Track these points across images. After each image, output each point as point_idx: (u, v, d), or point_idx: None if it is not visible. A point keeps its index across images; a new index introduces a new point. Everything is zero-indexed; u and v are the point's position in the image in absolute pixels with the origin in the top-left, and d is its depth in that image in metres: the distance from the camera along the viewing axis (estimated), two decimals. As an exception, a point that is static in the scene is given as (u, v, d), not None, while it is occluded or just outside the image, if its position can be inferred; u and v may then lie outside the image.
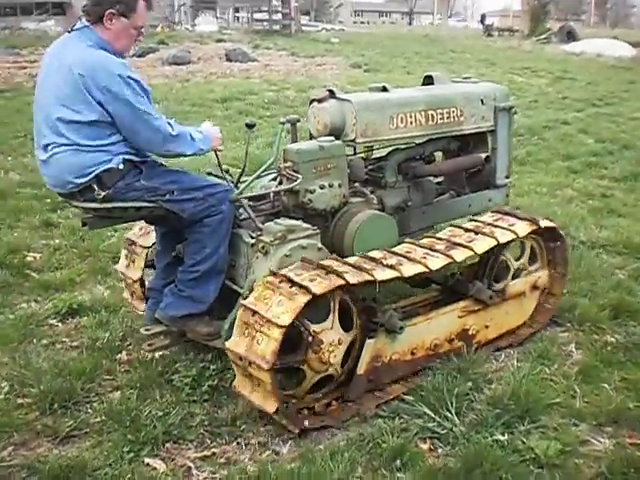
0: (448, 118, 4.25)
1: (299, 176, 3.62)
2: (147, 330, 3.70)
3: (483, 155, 4.45)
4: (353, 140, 3.90)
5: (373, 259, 3.37)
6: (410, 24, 73.57)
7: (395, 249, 3.55)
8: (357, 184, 4.08)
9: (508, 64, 20.87)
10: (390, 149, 4.29)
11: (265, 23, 29.89)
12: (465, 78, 4.82)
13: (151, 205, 3.42)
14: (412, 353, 3.58)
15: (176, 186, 3.41)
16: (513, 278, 3.97)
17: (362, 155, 4.24)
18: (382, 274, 3.20)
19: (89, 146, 3.28)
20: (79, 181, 3.32)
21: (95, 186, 3.31)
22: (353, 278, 3.11)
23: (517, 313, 4.07)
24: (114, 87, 3.19)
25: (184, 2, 31.56)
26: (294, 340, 3.16)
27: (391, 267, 3.27)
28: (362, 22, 78.15)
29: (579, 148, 9.51)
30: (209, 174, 3.95)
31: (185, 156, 3.57)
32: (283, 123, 3.90)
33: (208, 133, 3.58)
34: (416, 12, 79.37)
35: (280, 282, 3.13)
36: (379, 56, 21.30)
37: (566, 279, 4.25)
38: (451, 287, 3.90)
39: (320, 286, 3.02)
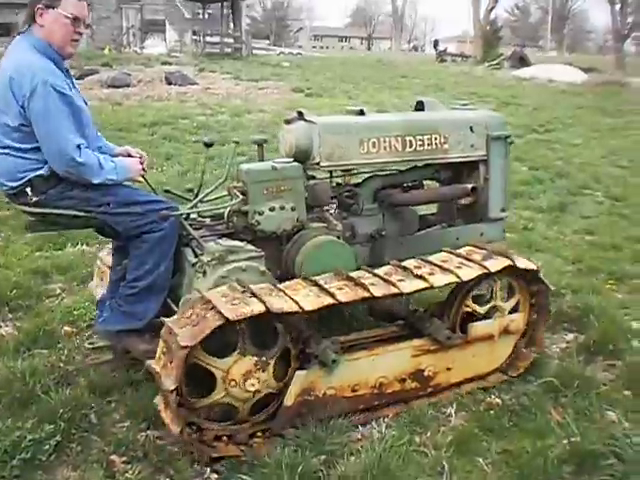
0: (429, 145, 4.02)
1: (240, 196, 3.53)
2: (91, 344, 3.77)
3: (469, 185, 4.11)
4: (317, 163, 3.73)
5: (316, 283, 3.23)
6: (369, 49, 74.34)
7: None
8: (320, 208, 3.89)
9: (456, 89, 20.83)
10: (367, 175, 4.12)
11: (217, 46, 29.56)
12: (463, 105, 4.60)
13: (85, 215, 3.37)
14: (353, 390, 3.33)
15: (112, 198, 3.34)
16: (484, 319, 3.67)
17: (339, 180, 4.07)
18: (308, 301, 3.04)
19: (20, 150, 3.26)
20: (12, 184, 3.32)
21: (28, 190, 3.30)
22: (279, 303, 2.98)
23: (487, 357, 3.71)
24: (34, 95, 3.15)
25: (132, 24, 31.09)
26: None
27: (329, 293, 3.11)
28: (321, 47, 78.73)
29: (510, 177, 9.11)
30: (166, 192, 3.90)
31: (89, 185, 3.35)
32: (237, 143, 3.82)
33: (123, 163, 3.48)
34: (375, 37, 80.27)
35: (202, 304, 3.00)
36: (326, 81, 21.09)
37: (545, 326, 3.89)
38: (411, 323, 3.65)
39: (235, 312, 2.87)
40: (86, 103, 3.55)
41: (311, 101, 15.96)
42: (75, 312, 4.40)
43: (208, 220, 3.78)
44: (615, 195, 8.31)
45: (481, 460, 3.04)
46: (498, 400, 3.53)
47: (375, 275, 3.36)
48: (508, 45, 54.26)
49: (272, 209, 3.56)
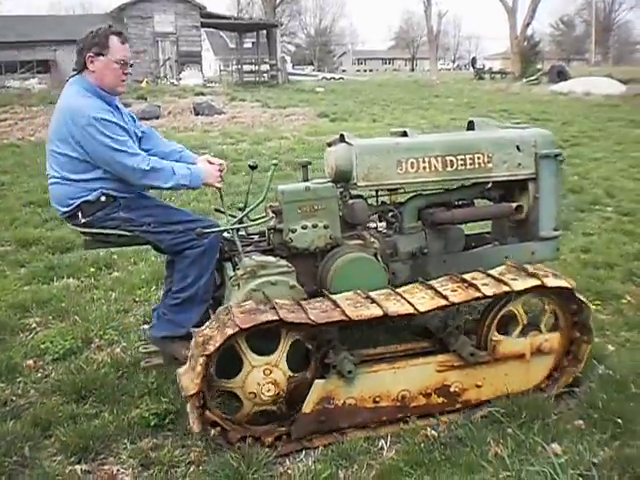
0: (472, 164, 4.06)
1: (272, 215, 3.84)
2: (144, 348, 4.04)
3: (514, 204, 4.17)
4: (355, 184, 3.88)
5: (431, 286, 3.48)
6: (412, 70, 74.15)
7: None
8: (361, 226, 4.05)
9: (488, 107, 20.58)
10: (411, 194, 4.22)
11: (253, 74, 29.98)
12: (516, 124, 4.59)
13: (130, 234, 3.73)
14: (375, 401, 3.43)
15: (152, 219, 3.70)
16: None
17: (384, 199, 4.20)
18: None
19: (71, 180, 3.66)
20: (64, 209, 3.73)
21: (78, 214, 3.69)
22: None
23: (520, 377, 3.68)
24: (89, 128, 3.52)
25: (169, 57, 31.68)
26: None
27: (442, 296, 3.34)
28: (365, 70, 78.96)
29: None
30: (217, 210, 4.27)
31: (163, 189, 3.80)
32: (275, 165, 3.95)
33: (198, 170, 3.77)
34: (419, 58, 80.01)
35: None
36: (356, 104, 21.08)
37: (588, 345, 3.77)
38: (440, 339, 3.71)
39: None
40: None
41: (334, 126, 15.98)
42: (42, 346, 4.47)
43: (257, 237, 4.13)
44: (625, 210, 8.09)
45: (400, 497, 2.94)
46: (434, 432, 3.39)
47: (488, 275, 3.57)
48: (552, 60, 53.67)
49: (305, 227, 3.77)
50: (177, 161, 3.86)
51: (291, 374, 3.32)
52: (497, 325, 3.61)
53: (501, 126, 4.57)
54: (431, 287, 3.52)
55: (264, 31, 34.46)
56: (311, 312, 3.25)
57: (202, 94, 22.90)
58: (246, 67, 31.76)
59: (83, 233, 3.86)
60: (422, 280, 3.66)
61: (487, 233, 4.64)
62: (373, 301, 3.37)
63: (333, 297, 3.47)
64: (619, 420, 3.42)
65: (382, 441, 3.38)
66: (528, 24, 43.70)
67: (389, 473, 3.10)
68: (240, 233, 3.93)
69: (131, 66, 3.87)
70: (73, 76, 3.79)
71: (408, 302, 3.36)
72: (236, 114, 18.49)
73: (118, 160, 3.56)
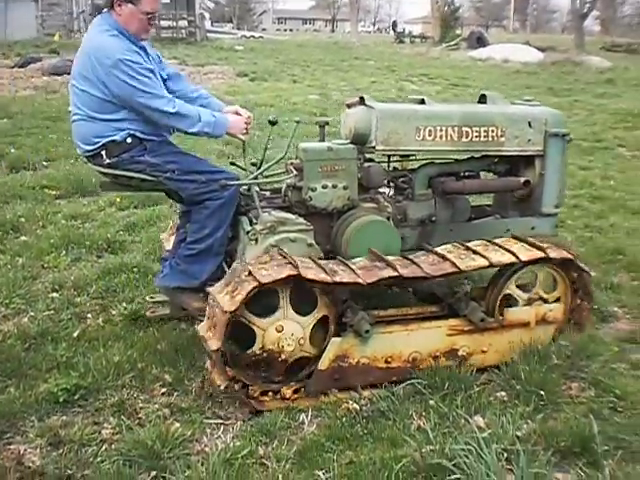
0: (485, 137, 4.15)
1: (294, 172, 3.82)
2: (151, 298, 4.14)
3: (522, 179, 4.26)
4: (374, 147, 3.93)
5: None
6: (333, 31, 73.81)
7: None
8: (373, 190, 4.09)
9: (408, 71, 20.57)
10: (423, 162, 4.28)
11: (170, 30, 29.18)
12: (526, 100, 4.66)
13: (153, 179, 3.73)
14: (387, 362, 3.52)
15: (177, 166, 3.70)
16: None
17: (396, 165, 4.27)
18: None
19: (96, 119, 3.66)
20: (88, 147, 3.72)
21: (102, 154, 3.69)
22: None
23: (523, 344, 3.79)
24: (114, 70, 3.52)
25: (83, 10, 30.42)
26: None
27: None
28: (285, 30, 78.08)
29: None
30: (232, 164, 4.29)
31: (187, 133, 3.77)
32: (298, 122, 4.00)
33: (223, 119, 3.78)
34: (339, 19, 79.55)
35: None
36: (276, 64, 20.74)
37: (590, 313, 3.97)
38: (450, 304, 3.81)
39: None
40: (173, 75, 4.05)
41: (252, 85, 15.73)
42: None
43: (268, 193, 4.13)
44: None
45: (321, 474, 2.83)
46: (355, 406, 3.31)
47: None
48: (471, 26, 54.19)
49: (325, 186, 3.80)
50: (203, 107, 3.83)
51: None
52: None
53: (512, 102, 4.68)
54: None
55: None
56: (424, 266, 3.43)
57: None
58: (164, 23, 30.85)
59: (103, 174, 3.85)
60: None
61: (487, 206, 4.75)
62: (475, 252, 3.57)
63: (438, 250, 3.64)
64: (541, 392, 3.39)
65: (303, 415, 3.30)
66: (450, -12, 43.91)
67: (310, 449, 3.01)
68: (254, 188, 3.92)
69: (157, 17, 3.85)
70: (99, 13, 3.76)
71: (509, 251, 3.59)
72: (151, 71, 17.87)
73: (143, 102, 3.57)
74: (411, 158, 4.28)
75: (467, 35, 35.97)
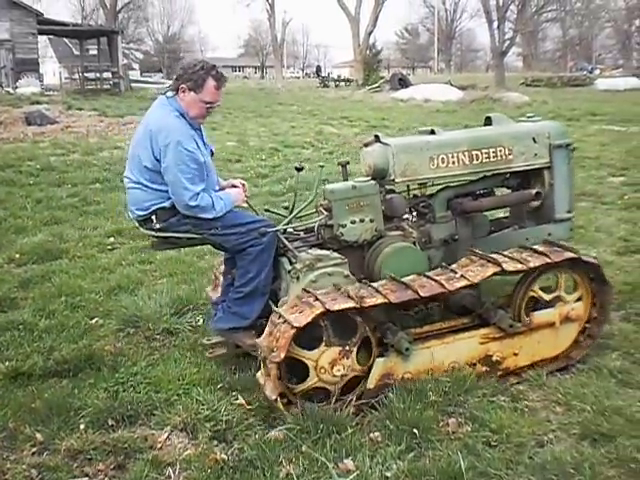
0: (495, 157, 4.46)
1: (325, 213, 4.17)
2: (208, 340, 4.42)
3: (533, 191, 4.51)
4: (393, 180, 4.24)
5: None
6: (262, 78, 74.35)
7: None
8: (398, 218, 4.40)
9: (329, 114, 20.78)
10: (440, 187, 4.59)
11: (95, 82, 29.03)
12: (529, 117, 4.94)
13: (199, 237, 4.14)
14: (429, 374, 3.81)
15: (220, 223, 4.08)
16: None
17: (416, 192, 4.59)
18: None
19: (148, 187, 4.06)
20: (140, 213, 4.14)
21: (153, 218, 4.10)
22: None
23: (551, 343, 4.15)
24: (168, 150, 3.91)
25: (4, 65, 30.06)
26: None
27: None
28: (215, 77, 78.11)
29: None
30: (267, 211, 4.75)
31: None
32: (322, 166, 4.43)
33: (228, 197, 4.18)
34: (268, 66, 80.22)
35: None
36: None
37: (603, 326, 4.29)
38: (480, 315, 4.11)
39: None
40: (212, 152, 4.36)
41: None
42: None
43: (302, 233, 4.46)
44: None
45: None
46: (224, 456, 3.26)
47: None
48: (397, 68, 55.21)
49: (353, 222, 4.15)
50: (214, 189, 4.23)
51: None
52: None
53: (516, 120, 5.00)
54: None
55: (103, 38, 33.47)
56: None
57: (38, 103, 21.65)
58: (90, 75, 30.67)
59: (154, 236, 4.22)
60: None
61: (504, 218, 5.09)
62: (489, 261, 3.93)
63: (453, 267, 3.96)
64: (415, 430, 3.39)
65: (170, 469, 3.23)
66: (370, 32, 45.15)
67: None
68: (289, 230, 4.31)
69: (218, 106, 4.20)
70: (166, 92, 4.19)
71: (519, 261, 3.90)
72: (71, 123, 17.75)
73: (177, 187, 3.95)
74: (428, 185, 4.57)
75: (389, 77, 36.67)
